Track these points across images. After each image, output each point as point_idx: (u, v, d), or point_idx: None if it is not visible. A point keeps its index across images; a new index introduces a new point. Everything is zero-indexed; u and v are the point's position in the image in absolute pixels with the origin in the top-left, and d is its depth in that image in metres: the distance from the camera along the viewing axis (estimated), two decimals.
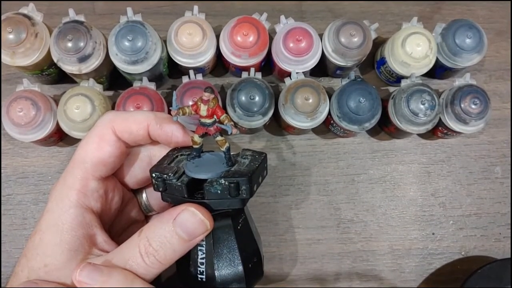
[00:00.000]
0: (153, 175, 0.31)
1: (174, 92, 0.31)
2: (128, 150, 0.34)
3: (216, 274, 0.31)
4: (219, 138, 0.31)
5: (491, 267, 0.46)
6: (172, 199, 0.31)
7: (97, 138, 0.32)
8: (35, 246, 0.30)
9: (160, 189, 0.31)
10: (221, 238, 0.32)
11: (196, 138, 0.31)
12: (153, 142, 0.35)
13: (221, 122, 0.30)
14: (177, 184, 0.30)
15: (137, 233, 0.30)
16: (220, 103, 0.46)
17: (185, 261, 0.32)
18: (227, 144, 0.31)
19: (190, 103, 0.44)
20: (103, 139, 0.32)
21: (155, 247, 0.29)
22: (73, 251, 0.30)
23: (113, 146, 0.32)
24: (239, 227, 0.33)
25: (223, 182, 0.29)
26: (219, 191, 0.29)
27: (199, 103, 0.29)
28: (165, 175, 0.30)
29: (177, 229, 0.29)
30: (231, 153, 0.32)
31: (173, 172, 0.30)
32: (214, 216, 0.30)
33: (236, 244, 0.32)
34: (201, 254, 0.32)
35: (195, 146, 0.32)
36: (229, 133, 0.30)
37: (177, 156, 0.33)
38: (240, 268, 0.32)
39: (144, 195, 0.38)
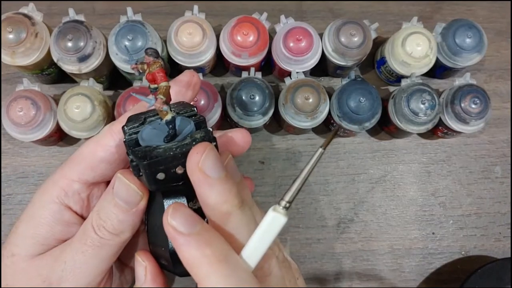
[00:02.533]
0: (126, 129, 0.28)
1: (127, 45, 0.26)
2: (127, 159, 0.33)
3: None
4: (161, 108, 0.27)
5: (491, 267, 0.46)
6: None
7: (94, 142, 0.31)
8: (10, 235, 0.30)
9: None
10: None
11: (162, 107, 0.27)
12: None
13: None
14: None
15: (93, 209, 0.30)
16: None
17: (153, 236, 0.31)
18: (168, 117, 0.27)
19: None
20: (99, 143, 0.31)
21: (103, 218, 0.28)
22: (45, 245, 0.29)
23: (107, 152, 0.30)
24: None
25: (144, 163, 0.26)
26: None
27: (144, 65, 0.26)
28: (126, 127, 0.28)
29: (115, 199, 0.28)
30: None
31: (138, 123, 0.28)
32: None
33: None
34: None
35: (166, 118, 0.27)
36: (148, 106, 0.26)
37: (153, 116, 0.29)
38: None
39: None
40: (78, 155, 0.31)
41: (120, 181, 0.28)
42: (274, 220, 0.26)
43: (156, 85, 0.26)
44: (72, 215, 0.31)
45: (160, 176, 0.27)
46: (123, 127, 0.28)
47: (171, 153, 0.26)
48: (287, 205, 0.26)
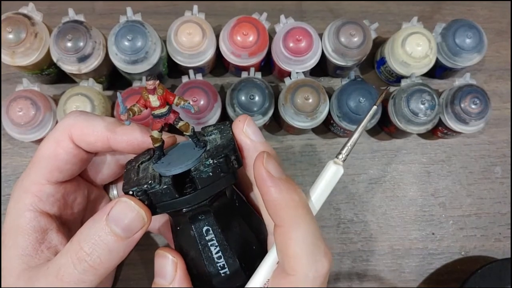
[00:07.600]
0: (130, 192, 0.27)
1: (119, 94, 0.27)
2: (91, 154, 0.32)
3: (238, 261, 0.29)
4: (181, 123, 0.28)
5: (491, 267, 0.46)
6: (162, 208, 0.28)
7: (54, 143, 0.30)
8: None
9: (146, 203, 0.28)
10: (227, 222, 0.29)
11: (156, 134, 0.28)
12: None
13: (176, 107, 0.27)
14: (163, 188, 0.27)
15: (72, 239, 0.27)
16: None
17: (200, 267, 0.30)
18: (191, 126, 0.28)
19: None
20: (59, 145, 0.30)
21: (87, 251, 0.26)
22: (25, 255, 0.28)
23: (69, 154, 0.30)
24: (237, 204, 0.31)
25: (210, 162, 0.27)
26: (210, 173, 0.27)
27: (145, 95, 0.26)
28: (145, 186, 0.27)
29: (111, 226, 0.26)
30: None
31: (151, 179, 0.27)
32: (210, 203, 0.28)
33: (243, 220, 0.30)
34: (215, 249, 0.29)
35: (156, 144, 0.28)
36: (193, 112, 0.27)
37: (138, 167, 0.30)
38: (255, 242, 0.30)
39: (115, 191, 0.37)
40: (41, 157, 0.30)
41: (126, 204, 0.26)
42: (336, 171, 0.29)
43: (166, 108, 0.27)
44: (48, 220, 0.30)
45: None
46: (143, 190, 0.27)
47: (232, 142, 0.28)
48: (344, 158, 0.29)
